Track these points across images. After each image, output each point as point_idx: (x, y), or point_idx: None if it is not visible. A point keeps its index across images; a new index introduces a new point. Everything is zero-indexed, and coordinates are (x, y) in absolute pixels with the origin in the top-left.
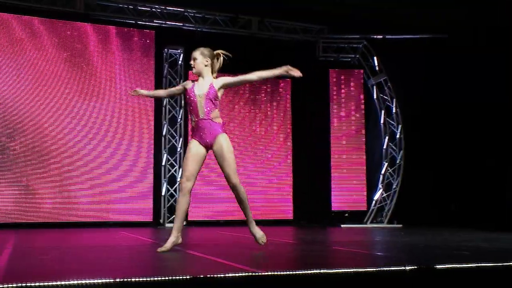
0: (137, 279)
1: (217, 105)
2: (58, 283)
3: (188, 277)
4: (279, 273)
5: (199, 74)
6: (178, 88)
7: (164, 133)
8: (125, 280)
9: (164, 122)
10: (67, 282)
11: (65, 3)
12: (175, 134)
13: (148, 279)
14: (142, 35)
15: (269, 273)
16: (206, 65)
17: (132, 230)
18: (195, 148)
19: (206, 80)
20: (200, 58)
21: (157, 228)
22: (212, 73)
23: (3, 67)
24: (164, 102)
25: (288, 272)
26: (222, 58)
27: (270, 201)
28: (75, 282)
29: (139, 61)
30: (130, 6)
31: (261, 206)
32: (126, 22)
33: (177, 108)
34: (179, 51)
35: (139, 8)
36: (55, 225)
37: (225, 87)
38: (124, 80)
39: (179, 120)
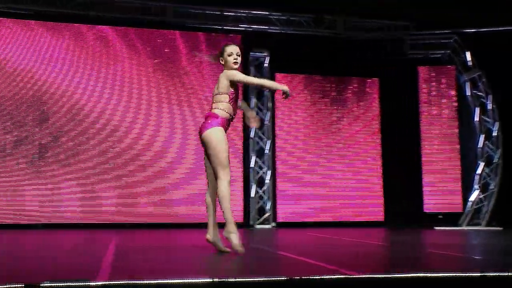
0: (237, 280)
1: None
2: (164, 281)
3: (284, 278)
4: (375, 276)
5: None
6: None
7: (252, 135)
8: (224, 280)
9: None
10: (170, 281)
11: (156, 12)
12: (263, 136)
13: (248, 279)
14: (228, 39)
15: (365, 275)
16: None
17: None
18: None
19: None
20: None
21: (248, 229)
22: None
23: (103, 77)
24: (252, 104)
25: (384, 275)
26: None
27: (360, 202)
28: (179, 280)
29: None
30: (216, 12)
31: (351, 207)
32: (213, 28)
33: (264, 110)
34: (264, 54)
35: (225, 14)
36: (151, 226)
37: (232, 80)
38: (213, 84)
39: (266, 122)
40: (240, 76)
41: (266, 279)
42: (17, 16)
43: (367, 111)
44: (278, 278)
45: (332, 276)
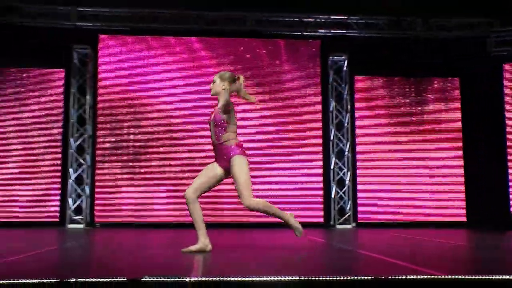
0: (325, 278)
1: (227, 127)
2: (252, 278)
3: (370, 277)
4: (459, 277)
5: (216, 96)
6: None
7: (331, 137)
8: (311, 278)
9: (331, 127)
10: (259, 278)
11: (238, 22)
12: (342, 138)
13: (335, 278)
14: (308, 45)
15: (449, 276)
16: (223, 88)
17: (307, 231)
18: (212, 166)
19: (218, 104)
20: (218, 81)
21: (328, 229)
22: (228, 95)
23: (189, 84)
24: (331, 107)
25: (467, 277)
26: (242, 80)
27: (441, 203)
28: (268, 278)
29: (306, 69)
30: (295, 19)
31: (432, 208)
32: (292, 34)
33: (344, 113)
34: (343, 57)
35: (304, 20)
36: (234, 225)
37: (224, 107)
38: (293, 88)
39: (345, 124)
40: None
41: (351, 278)
42: (116, 32)
43: (448, 111)
44: (364, 278)
45: (417, 277)
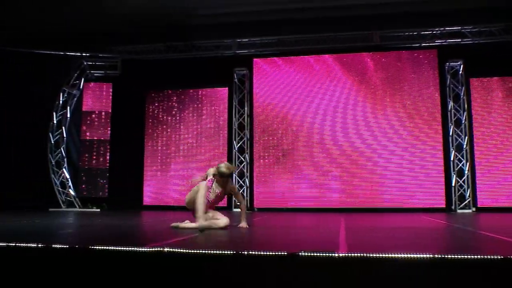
0: (456, 256)
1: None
2: (389, 255)
3: (499, 257)
4: None
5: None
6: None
7: (450, 133)
8: (444, 257)
9: (450, 124)
10: (395, 255)
11: (364, 39)
12: (460, 133)
13: (467, 256)
14: (426, 54)
15: None
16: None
17: (430, 215)
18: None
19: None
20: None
21: (449, 213)
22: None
23: (326, 96)
24: (449, 107)
25: None
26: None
27: None
28: (402, 255)
29: (426, 75)
30: (414, 33)
31: None
32: (412, 46)
33: (461, 111)
34: (459, 63)
35: (422, 33)
36: (368, 210)
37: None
38: (415, 91)
39: (463, 121)
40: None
41: (481, 257)
42: (266, 55)
43: None
44: (493, 257)
45: None
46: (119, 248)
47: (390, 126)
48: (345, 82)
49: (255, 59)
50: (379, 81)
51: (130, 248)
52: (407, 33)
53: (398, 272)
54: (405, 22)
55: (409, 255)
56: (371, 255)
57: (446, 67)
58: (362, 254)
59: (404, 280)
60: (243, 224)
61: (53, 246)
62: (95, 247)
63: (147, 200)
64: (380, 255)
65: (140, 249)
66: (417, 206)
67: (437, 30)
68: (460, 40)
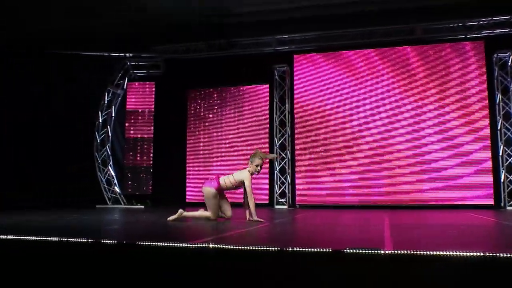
0: (506, 255)
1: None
2: (439, 253)
3: None
4: None
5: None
6: None
7: (499, 127)
8: (495, 255)
9: (499, 117)
10: (444, 253)
11: (407, 32)
12: (509, 127)
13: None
14: (472, 45)
15: None
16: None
17: (477, 212)
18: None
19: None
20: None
21: (498, 210)
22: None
23: (366, 92)
24: (497, 100)
25: None
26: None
27: None
28: (451, 253)
29: (472, 67)
30: (459, 24)
31: None
32: (457, 38)
33: (510, 104)
34: (507, 54)
35: (467, 24)
36: (412, 207)
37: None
38: (461, 84)
39: None
40: (247, 184)
41: None
42: (306, 51)
43: None
44: None
45: None
46: (166, 244)
47: (434, 121)
48: (387, 76)
49: (295, 56)
50: (422, 75)
51: (176, 244)
52: (451, 25)
53: (445, 270)
54: (449, 13)
55: (456, 253)
56: (417, 252)
57: (494, 59)
58: (408, 252)
59: (452, 278)
60: (254, 217)
61: (102, 241)
62: (142, 243)
63: (190, 196)
64: (427, 252)
65: (186, 245)
66: (464, 203)
67: (483, 21)
68: (508, 30)
